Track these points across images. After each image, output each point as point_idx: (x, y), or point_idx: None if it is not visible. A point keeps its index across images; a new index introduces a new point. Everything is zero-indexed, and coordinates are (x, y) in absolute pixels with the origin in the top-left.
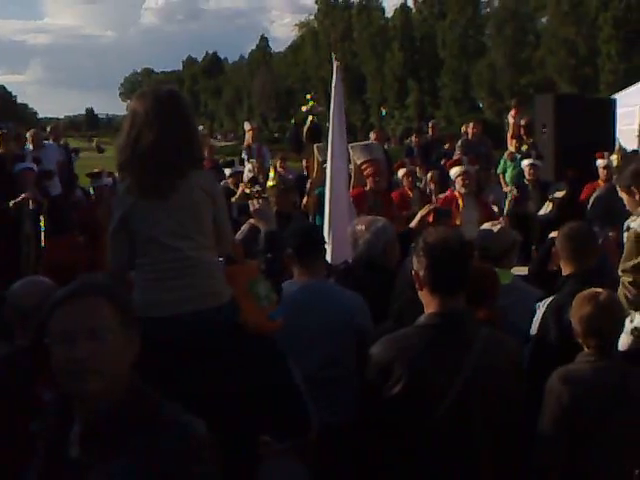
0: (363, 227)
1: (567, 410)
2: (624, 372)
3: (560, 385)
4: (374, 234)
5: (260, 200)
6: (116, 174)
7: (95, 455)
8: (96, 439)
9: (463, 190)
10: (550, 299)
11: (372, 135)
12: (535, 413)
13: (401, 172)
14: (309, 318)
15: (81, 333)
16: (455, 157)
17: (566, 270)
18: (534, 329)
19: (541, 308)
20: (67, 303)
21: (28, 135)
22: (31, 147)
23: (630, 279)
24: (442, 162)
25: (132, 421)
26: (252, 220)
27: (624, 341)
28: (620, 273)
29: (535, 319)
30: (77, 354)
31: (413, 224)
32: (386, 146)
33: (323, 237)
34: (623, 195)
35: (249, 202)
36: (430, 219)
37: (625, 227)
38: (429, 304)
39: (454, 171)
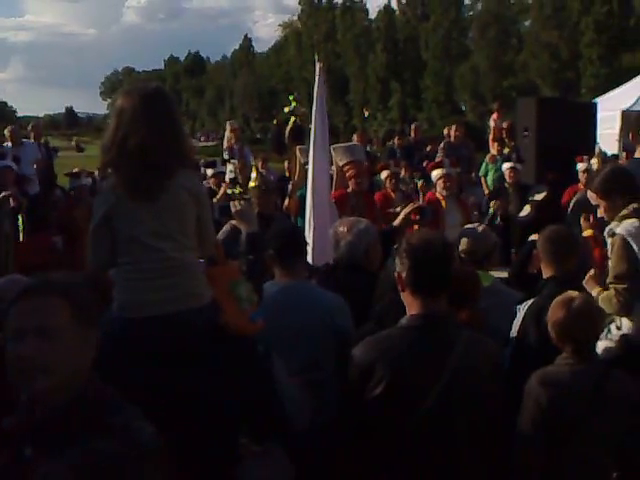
0: (345, 229)
1: (545, 412)
2: (602, 375)
3: (538, 387)
4: (356, 236)
5: (242, 201)
6: (96, 174)
7: (43, 455)
8: (45, 438)
9: (445, 193)
10: (530, 301)
11: (355, 137)
12: (516, 414)
13: (384, 174)
14: (290, 319)
15: (30, 331)
16: (437, 159)
17: (546, 273)
18: (514, 331)
19: (521, 310)
20: (20, 301)
21: (6, 132)
22: (10, 145)
23: (624, 285)
24: (424, 164)
25: (80, 422)
26: (233, 221)
27: (607, 347)
28: (611, 280)
29: (515, 321)
30: (24, 351)
31: (396, 222)
32: (368, 148)
33: (304, 238)
34: (600, 201)
35: (231, 203)
36: (414, 217)
37: (608, 232)
38: (411, 306)
39: (435, 174)
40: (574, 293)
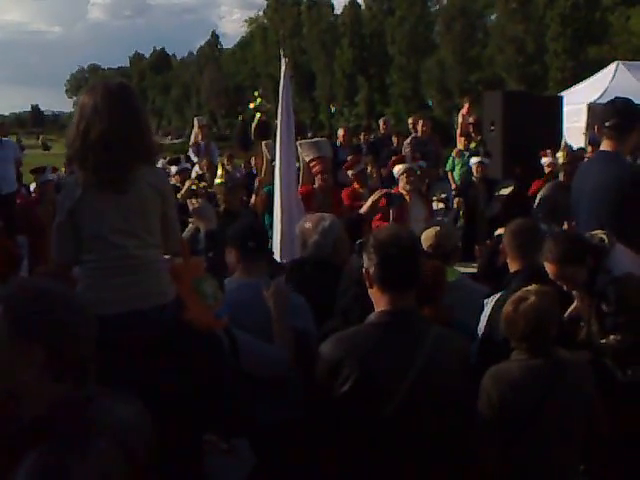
0: (310, 225)
1: (495, 407)
2: (557, 370)
3: (490, 383)
4: (322, 234)
5: (199, 199)
6: (61, 170)
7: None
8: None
9: (408, 187)
10: (497, 296)
11: (340, 131)
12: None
13: (350, 172)
14: (247, 317)
15: None
16: (405, 154)
17: (513, 267)
18: (481, 326)
19: (488, 305)
20: None
21: None
22: None
23: None
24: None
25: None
26: (191, 219)
27: None
28: None
29: (482, 316)
30: None
31: (363, 209)
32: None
33: (266, 235)
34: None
35: (188, 201)
36: (382, 204)
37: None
38: (379, 302)
39: (398, 169)
40: (532, 289)
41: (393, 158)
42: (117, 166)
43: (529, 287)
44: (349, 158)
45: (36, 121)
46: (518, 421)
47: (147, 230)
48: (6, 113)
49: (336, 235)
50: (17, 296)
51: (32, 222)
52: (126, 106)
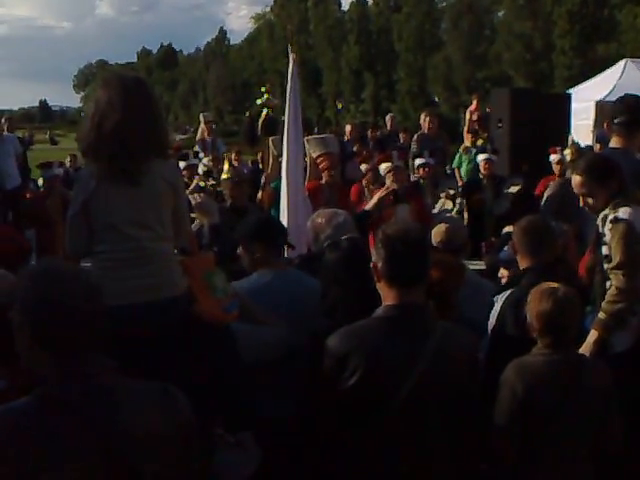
0: (323, 220)
1: (520, 401)
2: (577, 365)
3: (514, 377)
4: (335, 229)
5: (201, 194)
6: (67, 164)
7: None
8: None
9: (395, 186)
10: (508, 292)
11: (348, 127)
12: (492, 404)
13: (364, 167)
14: (286, 305)
15: None
16: (413, 151)
17: (523, 264)
18: (492, 322)
19: (499, 301)
20: None
21: None
22: None
23: (628, 271)
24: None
25: None
26: (193, 214)
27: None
28: (615, 267)
29: (492, 312)
30: None
31: (369, 206)
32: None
33: (280, 226)
34: (591, 188)
35: (190, 196)
36: (388, 201)
37: (610, 219)
38: (387, 296)
39: (384, 167)
40: (553, 284)
41: (379, 156)
42: (131, 157)
43: (547, 283)
44: (355, 148)
45: (44, 116)
46: (539, 415)
47: (160, 222)
48: (15, 108)
49: (349, 231)
50: (24, 274)
51: (40, 216)
52: (140, 99)
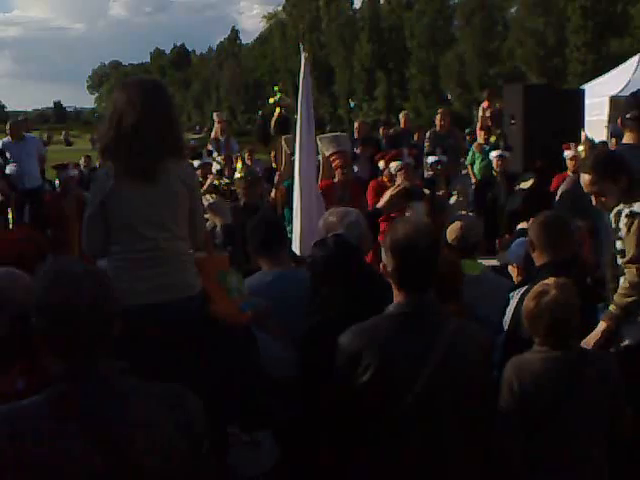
0: (335, 219)
1: (517, 399)
2: (580, 361)
3: (512, 375)
4: (347, 228)
5: (213, 195)
6: (82, 165)
7: None
8: None
9: (406, 183)
10: (523, 289)
11: (355, 124)
12: None
13: (381, 164)
14: (288, 306)
15: None
16: (426, 149)
17: (540, 260)
18: (507, 319)
19: (514, 298)
20: None
21: (7, 127)
22: (10, 139)
23: None
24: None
25: None
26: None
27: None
28: (625, 260)
29: (508, 309)
30: None
31: (381, 204)
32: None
33: (285, 228)
34: (602, 185)
35: (202, 197)
36: (400, 199)
37: (625, 213)
38: (397, 295)
39: (394, 165)
40: (552, 282)
41: (389, 155)
42: (149, 154)
43: (548, 280)
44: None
45: (59, 117)
46: (539, 413)
47: (176, 223)
48: (29, 109)
49: (361, 231)
50: (37, 274)
51: (56, 216)
52: (158, 100)
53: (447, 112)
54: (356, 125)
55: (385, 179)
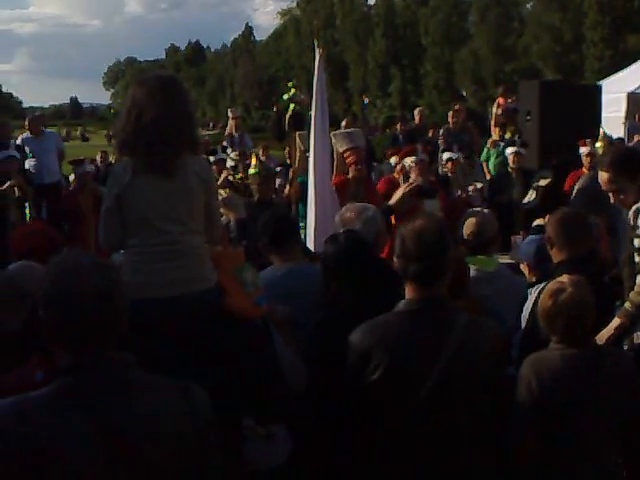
0: (353, 214)
1: (536, 397)
2: (597, 358)
3: (529, 372)
4: (364, 224)
5: (227, 190)
6: (98, 161)
7: None
8: None
9: (419, 180)
10: (541, 286)
11: (344, 123)
12: None
13: (394, 160)
14: (299, 301)
15: None
16: (442, 146)
17: (558, 257)
18: (525, 316)
19: (532, 294)
20: None
21: (27, 122)
22: (29, 134)
23: None
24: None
25: None
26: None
27: None
28: None
29: (526, 306)
30: None
31: (393, 201)
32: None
33: (296, 223)
34: (621, 183)
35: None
36: (412, 196)
37: (636, 212)
38: (408, 291)
39: (408, 161)
40: (566, 280)
41: (402, 151)
42: (168, 149)
43: (562, 278)
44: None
45: (75, 113)
46: (556, 410)
47: (191, 217)
48: (46, 105)
49: (378, 227)
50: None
51: (73, 211)
52: (176, 95)
53: (462, 108)
54: (344, 123)
55: (397, 175)
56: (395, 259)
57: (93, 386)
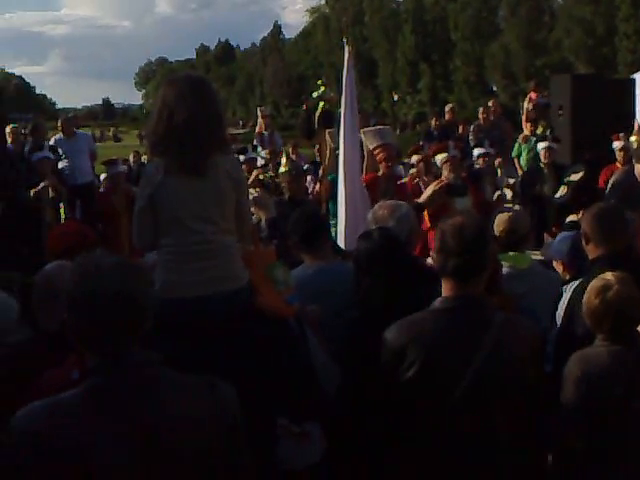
0: (386, 212)
1: (584, 394)
2: None
3: (577, 369)
4: (398, 221)
5: (257, 189)
6: (131, 161)
7: None
8: None
9: (451, 176)
10: (576, 282)
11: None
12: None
13: (415, 158)
14: (330, 300)
15: None
16: (472, 142)
17: (594, 253)
18: (560, 313)
19: (567, 292)
20: None
21: (59, 124)
22: (62, 135)
23: None
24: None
25: None
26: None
27: None
28: None
29: (561, 303)
30: None
31: (422, 198)
32: (398, 132)
33: (327, 221)
34: None
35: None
36: (442, 194)
37: None
38: (444, 288)
39: (440, 157)
40: (611, 277)
41: (434, 147)
42: (199, 149)
43: (606, 275)
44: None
45: (107, 114)
46: (606, 407)
47: (223, 216)
48: (79, 106)
49: (411, 224)
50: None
51: (106, 211)
52: (207, 95)
53: (496, 105)
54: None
55: (416, 174)
56: (433, 255)
57: (119, 387)
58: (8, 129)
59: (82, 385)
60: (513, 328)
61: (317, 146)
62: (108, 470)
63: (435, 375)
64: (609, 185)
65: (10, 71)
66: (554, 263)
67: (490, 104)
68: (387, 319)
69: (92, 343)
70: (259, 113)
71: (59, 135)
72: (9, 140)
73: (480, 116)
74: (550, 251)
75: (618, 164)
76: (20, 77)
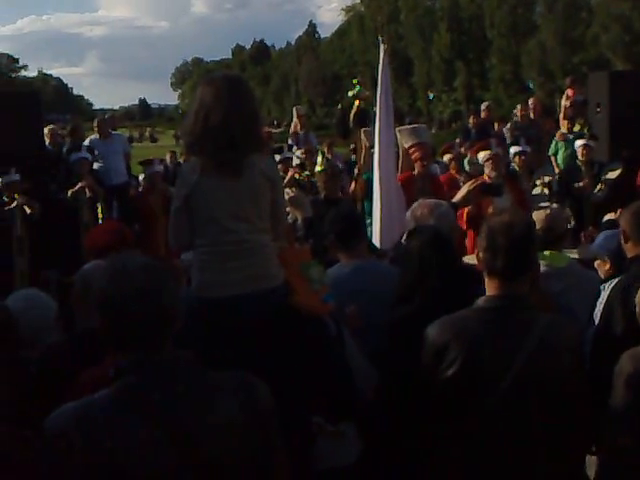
0: (426, 210)
1: (637, 392)
2: None
3: (630, 367)
4: (438, 220)
5: (294, 189)
6: (167, 161)
7: None
8: None
9: (493, 174)
10: (615, 281)
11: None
12: (599, 397)
13: (447, 157)
14: (365, 300)
15: None
16: (508, 140)
17: (633, 251)
18: (597, 312)
19: (606, 290)
20: None
21: (95, 123)
22: (97, 136)
23: None
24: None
25: None
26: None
27: None
28: None
29: (599, 301)
30: None
31: (457, 198)
32: (433, 130)
33: (363, 220)
34: None
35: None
36: (477, 194)
37: None
38: (489, 287)
39: (482, 155)
40: None
41: (477, 145)
42: (236, 149)
43: None
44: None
45: (144, 114)
46: None
47: (258, 215)
48: (116, 107)
49: (451, 222)
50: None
51: (143, 211)
52: (243, 95)
53: (537, 103)
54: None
55: (453, 172)
56: (479, 253)
57: (149, 386)
58: (46, 130)
59: (114, 385)
60: (556, 330)
61: (352, 145)
62: (139, 470)
63: (475, 374)
64: None
65: (48, 72)
66: (596, 262)
67: (530, 102)
68: (433, 318)
69: (121, 342)
70: (295, 113)
71: (94, 136)
72: (47, 141)
73: (518, 113)
74: (594, 249)
75: None
76: (58, 78)
